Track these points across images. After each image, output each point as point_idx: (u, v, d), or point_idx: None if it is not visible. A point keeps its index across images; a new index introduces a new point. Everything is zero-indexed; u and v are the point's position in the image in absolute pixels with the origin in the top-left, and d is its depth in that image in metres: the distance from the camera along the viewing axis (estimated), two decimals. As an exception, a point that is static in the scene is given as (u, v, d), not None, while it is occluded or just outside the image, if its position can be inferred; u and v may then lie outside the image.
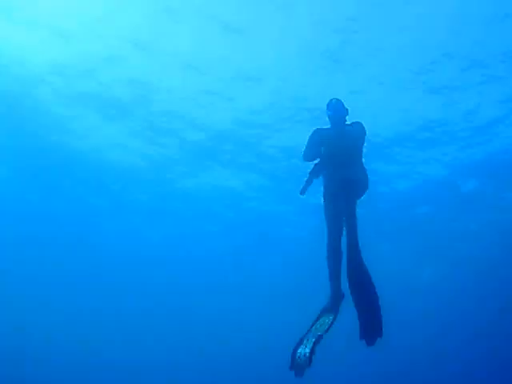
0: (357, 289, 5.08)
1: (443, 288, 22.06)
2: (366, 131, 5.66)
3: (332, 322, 5.08)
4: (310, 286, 14.78)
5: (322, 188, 5.80)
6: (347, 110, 5.71)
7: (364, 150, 5.72)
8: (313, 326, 5.12)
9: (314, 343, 4.83)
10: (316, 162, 5.64)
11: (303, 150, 5.80)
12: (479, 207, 17.34)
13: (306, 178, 5.56)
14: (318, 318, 5.21)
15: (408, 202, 17.33)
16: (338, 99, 5.71)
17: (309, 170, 5.58)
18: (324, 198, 5.72)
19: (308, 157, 5.75)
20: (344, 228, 5.41)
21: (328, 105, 5.71)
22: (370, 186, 5.67)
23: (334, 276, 5.35)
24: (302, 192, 5.53)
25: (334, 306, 5.28)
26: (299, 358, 4.75)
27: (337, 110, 5.63)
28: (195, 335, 25.44)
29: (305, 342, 4.90)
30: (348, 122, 5.76)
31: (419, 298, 22.24)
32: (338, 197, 5.50)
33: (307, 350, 4.75)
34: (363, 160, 5.70)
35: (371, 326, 5.02)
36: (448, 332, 23.76)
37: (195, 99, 13.33)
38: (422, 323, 23.06)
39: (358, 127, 5.65)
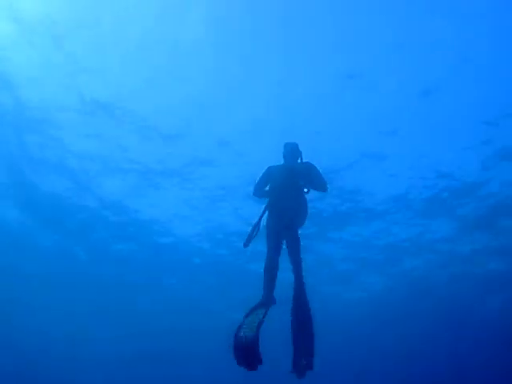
0: (297, 323, 5.30)
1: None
2: (318, 169, 6.23)
3: (266, 312, 5.21)
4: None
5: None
6: (301, 152, 6.40)
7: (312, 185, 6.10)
8: (247, 317, 5.22)
9: (257, 326, 4.98)
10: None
11: (255, 185, 6.41)
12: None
13: (249, 231, 5.79)
14: (251, 312, 5.31)
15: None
16: (294, 142, 6.48)
17: (253, 222, 5.81)
18: (267, 227, 5.94)
19: (257, 192, 6.37)
20: (290, 261, 5.74)
21: (285, 145, 6.46)
22: (307, 216, 6.16)
23: (268, 288, 5.54)
24: (246, 244, 5.73)
25: (265, 304, 5.41)
26: (243, 338, 4.87)
27: (291, 149, 6.36)
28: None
29: (245, 327, 5.03)
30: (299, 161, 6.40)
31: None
32: (280, 224, 5.86)
33: (251, 333, 4.88)
34: (306, 193, 6.08)
35: (303, 359, 5.13)
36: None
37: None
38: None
39: (310, 167, 6.26)
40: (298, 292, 5.47)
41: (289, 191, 5.97)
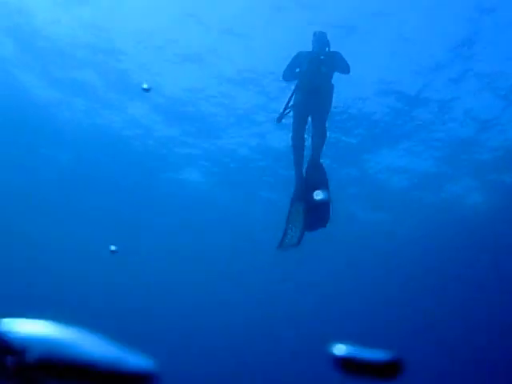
0: (311, 182, 6.03)
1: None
2: (343, 57, 6.78)
3: (305, 210, 5.89)
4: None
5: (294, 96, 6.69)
6: (329, 41, 6.78)
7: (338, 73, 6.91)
8: (289, 217, 6.02)
9: (302, 230, 5.87)
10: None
11: (284, 69, 7.01)
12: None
13: (283, 108, 6.55)
14: (290, 208, 6.07)
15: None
16: (322, 31, 6.87)
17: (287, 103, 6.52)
18: (294, 104, 6.63)
19: (287, 76, 7.01)
20: (312, 134, 6.53)
21: (314, 33, 6.90)
22: (333, 101, 6.82)
23: (298, 163, 6.40)
24: (279, 120, 6.58)
25: (301, 193, 6.11)
26: (288, 239, 5.85)
27: (320, 37, 6.78)
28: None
29: (289, 231, 5.95)
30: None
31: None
32: (307, 104, 6.57)
33: (297, 234, 5.86)
34: (332, 80, 6.80)
35: (318, 218, 5.87)
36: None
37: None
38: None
39: (335, 55, 6.75)
40: (313, 160, 6.30)
41: (315, 76, 6.55)
